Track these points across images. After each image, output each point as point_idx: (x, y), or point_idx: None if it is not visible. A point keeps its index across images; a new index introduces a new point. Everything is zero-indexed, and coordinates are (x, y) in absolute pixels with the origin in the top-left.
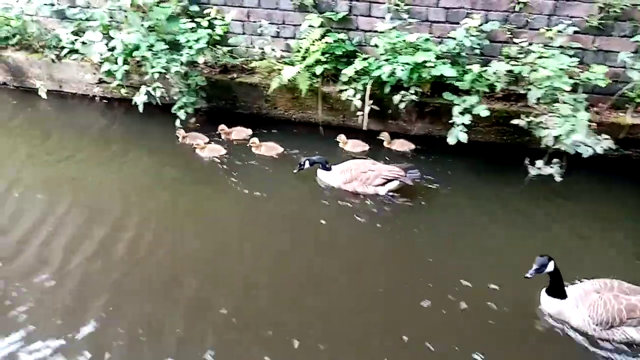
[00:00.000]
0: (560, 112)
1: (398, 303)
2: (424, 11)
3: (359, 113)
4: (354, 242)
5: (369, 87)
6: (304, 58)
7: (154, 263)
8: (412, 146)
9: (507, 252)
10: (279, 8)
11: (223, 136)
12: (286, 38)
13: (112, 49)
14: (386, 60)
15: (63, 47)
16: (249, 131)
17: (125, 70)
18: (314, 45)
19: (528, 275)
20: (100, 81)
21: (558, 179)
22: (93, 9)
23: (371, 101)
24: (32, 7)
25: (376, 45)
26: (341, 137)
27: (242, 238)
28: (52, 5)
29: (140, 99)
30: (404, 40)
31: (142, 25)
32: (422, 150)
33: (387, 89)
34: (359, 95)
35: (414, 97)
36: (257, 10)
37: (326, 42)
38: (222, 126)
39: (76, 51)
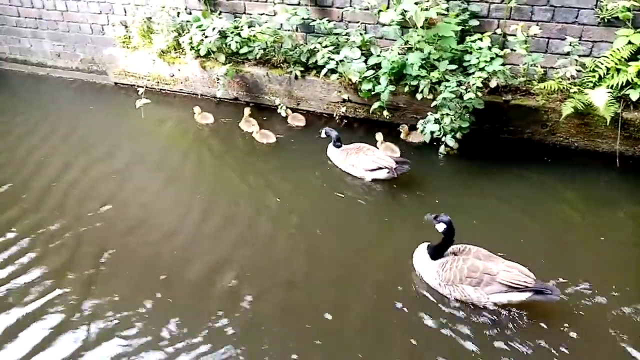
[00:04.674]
0: None
1: None
2: None
3: None
4: None
5: None
6: (600, 79)
7: None
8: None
9: None
10: (578, 22)
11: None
12: (579, 56)
13: (372, 68)
14: None
15: (315, 64)
16: None
17: (391, 91)
18: (623, 65)
19: (426, 217)
20: (344, 100)
21: None
22: (348, 24)
23: None
24: (290, 22)
25: None
26: (404, 128)
27: None
28: (308, 19)
29: (429, 127)
30: None
31: (426, 42)
32: None
33: None
34: None
35: None
36: (548, 24)
37: None
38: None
39: (333, 70)
